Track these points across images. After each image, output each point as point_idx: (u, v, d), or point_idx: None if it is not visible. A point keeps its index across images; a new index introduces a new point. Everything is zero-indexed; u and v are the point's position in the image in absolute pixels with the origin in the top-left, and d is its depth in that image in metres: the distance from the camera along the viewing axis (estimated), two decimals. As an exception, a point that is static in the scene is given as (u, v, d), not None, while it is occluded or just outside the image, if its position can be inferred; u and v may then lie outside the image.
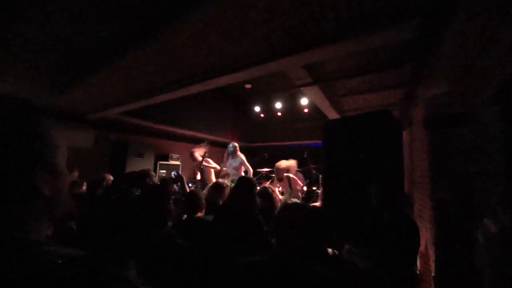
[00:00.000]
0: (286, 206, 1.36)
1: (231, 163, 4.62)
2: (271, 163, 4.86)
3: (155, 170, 5.90)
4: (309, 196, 4.58)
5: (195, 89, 3.40)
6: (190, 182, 5.45)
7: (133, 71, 3.17)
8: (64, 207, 0.60)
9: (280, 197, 3.54)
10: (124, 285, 0.49)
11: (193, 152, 4.66)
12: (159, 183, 2.49)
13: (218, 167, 4.81)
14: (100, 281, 0.47)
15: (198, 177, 5.46)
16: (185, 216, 2.23)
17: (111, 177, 2.73)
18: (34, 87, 3.51)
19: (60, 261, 0.46)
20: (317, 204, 3.17)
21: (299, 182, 4.02)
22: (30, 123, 0.52)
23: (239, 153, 4.62)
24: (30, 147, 0.50)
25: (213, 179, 4.61)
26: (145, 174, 2.25)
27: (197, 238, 1.67)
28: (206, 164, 4.67)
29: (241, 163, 4.56)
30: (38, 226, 0.52)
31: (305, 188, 4.38)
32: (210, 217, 1.96)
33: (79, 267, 0.47)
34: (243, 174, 4.74)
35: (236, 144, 4.67)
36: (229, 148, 4.61)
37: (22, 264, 0.43)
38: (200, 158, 4.53)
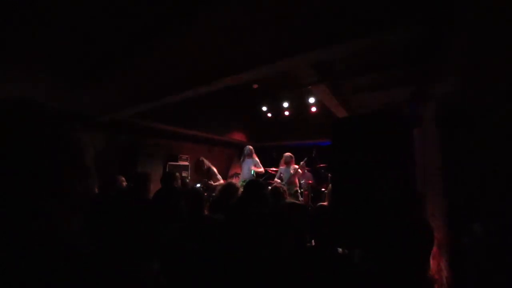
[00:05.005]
0: (286, 205, 1.36)
1: (247, 163, 5.28)
2: (279, 162, 5.01)
3: (164, 171, 5.97)
4: (318, 195, 4.60)
5: (203, 89, 3.41)
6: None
7: (140, 73, 3.21)
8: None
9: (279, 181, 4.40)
10: (148, 275, 0.51)
11: (202, 160, 5.19)
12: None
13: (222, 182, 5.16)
14: (126, 271, 0.49)
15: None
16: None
17: (123, 178, 2.78)
18: (44, 89, 3.59)
19: (89, 253, 0.48)
20: (324, 203, 3.16)
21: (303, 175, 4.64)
22: (63, 127, 0.56)
23: (254, 155, 5.34)
24: (63, 148, 0.54)
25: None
26: (172, 177, 2.31)
27: (209, 237, 1.68)
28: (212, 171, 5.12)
29: (255, 165, 5.21)
30: (68, 221, 0.55)
31: (305, 188, 4.73)
32: (221, 216, 1.97)
33: (106, 259, 0.49)
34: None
35: (252, 148, 5.42)
36: (245, 150, 5.37)
37: (52, 257, 0.46)
38: (209, 164, 5.13)
